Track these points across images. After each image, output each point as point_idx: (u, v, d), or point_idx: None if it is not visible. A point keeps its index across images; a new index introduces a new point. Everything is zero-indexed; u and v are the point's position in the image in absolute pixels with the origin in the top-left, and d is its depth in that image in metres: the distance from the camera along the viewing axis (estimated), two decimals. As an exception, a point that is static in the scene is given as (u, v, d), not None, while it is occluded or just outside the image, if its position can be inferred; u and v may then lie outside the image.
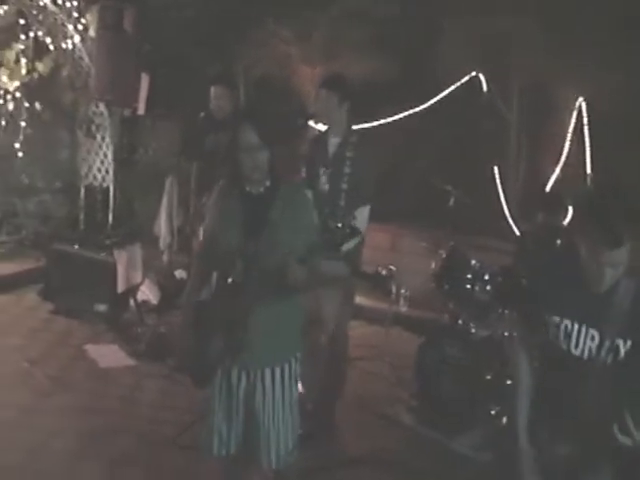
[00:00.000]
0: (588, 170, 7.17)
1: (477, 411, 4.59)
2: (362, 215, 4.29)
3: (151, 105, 6.33)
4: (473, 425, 4.58)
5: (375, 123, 7.38)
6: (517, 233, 6.78)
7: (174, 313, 5.92)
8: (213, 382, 3.06)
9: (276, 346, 3.00)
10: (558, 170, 7.25)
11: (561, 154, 7.26)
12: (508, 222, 7.20)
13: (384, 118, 7.50)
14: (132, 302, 6.16)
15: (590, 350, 2.58)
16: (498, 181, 7.35)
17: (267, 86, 7.60)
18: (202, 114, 5.48)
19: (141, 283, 6.30)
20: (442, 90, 7.42)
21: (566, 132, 7.20)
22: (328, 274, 4.16)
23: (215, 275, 3.01)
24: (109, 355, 5.40)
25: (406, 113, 7.45)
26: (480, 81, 7.37)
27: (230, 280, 2.92)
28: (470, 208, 5.49)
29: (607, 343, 2.54)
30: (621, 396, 2.42)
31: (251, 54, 7.61)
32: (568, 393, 2.61)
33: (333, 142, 4.39)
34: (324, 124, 4.53)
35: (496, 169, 7.35)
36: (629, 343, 2.53)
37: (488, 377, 4.60)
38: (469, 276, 4.84)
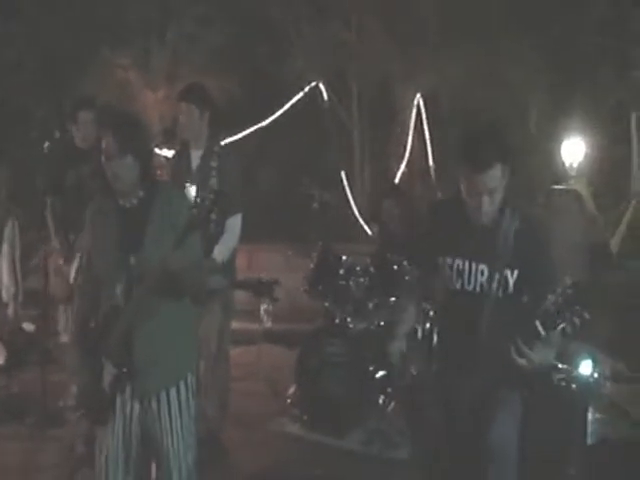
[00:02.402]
0: (430, 163, 7.43)
1: (364, 404, 4.55)
2: (234, 224, 4.16)
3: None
4: (362, 420, 4.54)
5: (229, 139, 7.33)
6: (369, 233, 6.88)
7: (26, 369, 5.46)
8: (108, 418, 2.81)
9: (168, 366, 2.80)
10: (403, 167, 7.45)
11: (405, 151, 7.47)
12: (360, 223, 7.33)
13: (234, 135, 7.42)
14: (-26, 367, 5.60)
15: (482, 285, 2.66)
16: (347, 185, 7.47)
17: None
18: (58, 143, 4.87)
19: (-18, 343, 5.75)
20: (286, 103, 7.46)
21: (408, 130, 7.41)
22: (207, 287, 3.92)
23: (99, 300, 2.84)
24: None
25: (253, 128, 7.42)
26: (321, 91, 7.49)
27: (112, 303, 2.76)
28: (332, 214, 5.51)
29: (496, 275, 2.62)
30: (514, 323, 2.48)
31: (91, 85, 7.35)
32: (466, 328, 2.67)
33: (195, 155, 4.22)
34: (186, 138, 4.30)
35: (343, 174, 7.46)
36: (516, 273, 2.62)
37: (370, 368, 4.56)
38: (342, 272, 4.85)
